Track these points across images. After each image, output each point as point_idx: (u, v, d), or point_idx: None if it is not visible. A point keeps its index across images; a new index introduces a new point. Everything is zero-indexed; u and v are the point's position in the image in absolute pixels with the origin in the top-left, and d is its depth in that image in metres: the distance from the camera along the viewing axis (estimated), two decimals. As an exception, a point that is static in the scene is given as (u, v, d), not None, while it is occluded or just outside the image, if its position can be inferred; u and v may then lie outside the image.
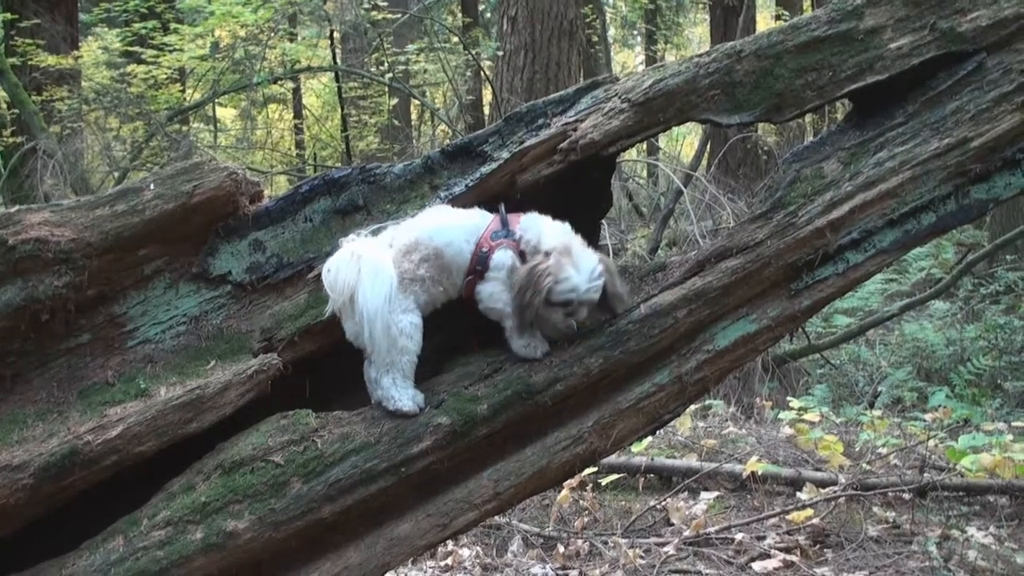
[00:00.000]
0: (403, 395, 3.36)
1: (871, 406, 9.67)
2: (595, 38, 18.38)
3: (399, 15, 14.36)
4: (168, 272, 3.49)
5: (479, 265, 3.39)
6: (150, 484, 3.30)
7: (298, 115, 21.07)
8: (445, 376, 3.48)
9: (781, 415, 8.00)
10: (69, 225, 3.30)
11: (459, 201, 3.59)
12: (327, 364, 3.62)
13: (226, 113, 22.66)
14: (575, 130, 3.63)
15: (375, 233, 3.44)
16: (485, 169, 3.62)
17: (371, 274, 3.26)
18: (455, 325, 3.56)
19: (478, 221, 3.45)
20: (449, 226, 3.42)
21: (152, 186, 3.40)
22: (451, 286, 3.45)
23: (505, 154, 3.62)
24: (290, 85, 18.75)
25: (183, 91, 15.51)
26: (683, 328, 3.55)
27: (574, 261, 3.27)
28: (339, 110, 16.01)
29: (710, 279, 3.56)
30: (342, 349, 3.54)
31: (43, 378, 3.36)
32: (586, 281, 3.27)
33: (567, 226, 3.42)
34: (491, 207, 3.51)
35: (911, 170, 3.66)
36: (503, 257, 3.37)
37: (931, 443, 7.08)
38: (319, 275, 3.48)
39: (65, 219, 3.31)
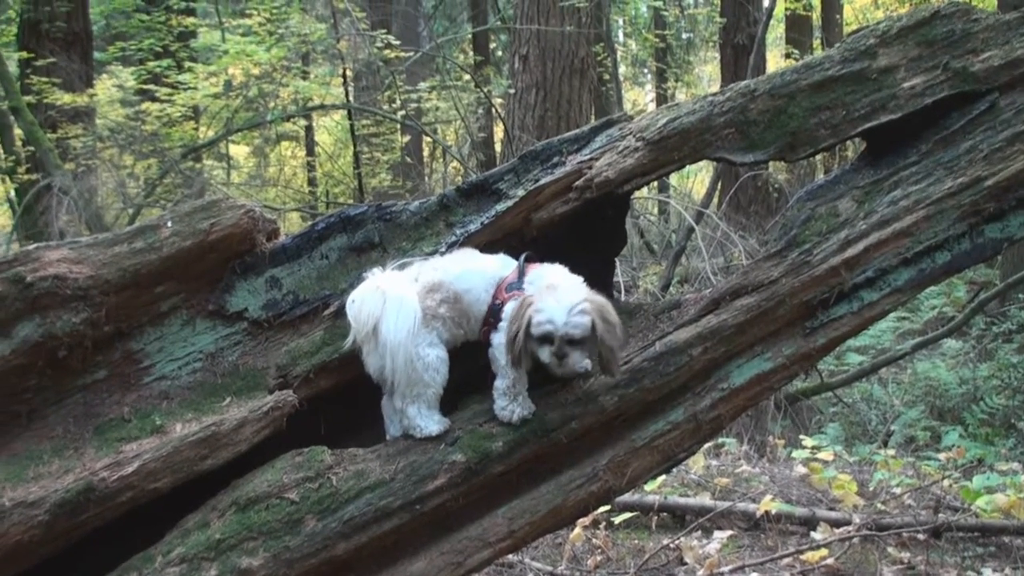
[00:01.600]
0: (429, 422, 3.39)
1: (884, 445, 9.61)
2: (606, 76, 18.46)
3: (411, 53, 14.46)
4: (185, 309, 3.51)
5: (492, 317, 3.40)
6: (165, 521, 3.30)
7: (310, 152, 21.18)
8: (460, 413, 3.48)
9: (794, 453, 7.95)
10: (87, 262, 3.32)
11: (475, 239, 3.61)
12: (341, 401, 3.63)
13: (239, 150, 22.78)
14: (590, 168, 3.65)
15: (401, 268, 3.46)
16: (500, 207, 3.63)
17: (395, 307, 3.28)
18: (471, 362, 3.55)
19: (499, 270, 3.45)
20: (471, 272, 3.43)
21: (170, 223, 3.42)
22: (470, 330, 3.46)
23: (520, 192, 3.64)
24: (302, 122, 18.86)
25: (196, 128, 15.61)
26: (698, 366, 3.56)
27: (557, 295, 3.21)
28: (352, 147, 16.09)
29: (725, 317, 3.57)
30: (356, 386, 3.55)
31: (59, 414, 3.37)
32: (564, 314, 3.16)
33: (574, 277, 3.36)
34: (517, 251, 3.52)
35: (925, 209, 3.67)
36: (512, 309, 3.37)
37: (945, 483, 7.03)
38: (335, 312, 3.50)
39: (83, 256, 3.33)
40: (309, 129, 20.73)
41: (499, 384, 3.40)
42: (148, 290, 3.42)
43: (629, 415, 3.53)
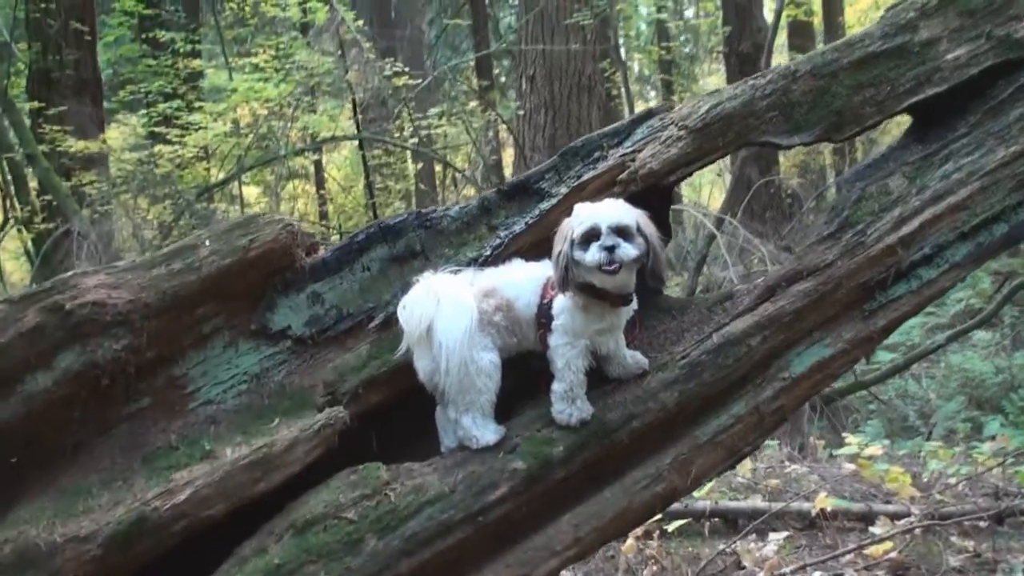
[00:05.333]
0: (485, 431, 3.28)
1: (928, 438, 9.50)
2: (614, 91, 18.45)
3: (419, 80, 14.43)
4: (227, 330, 3.43)
5: (543, 317, 3.30)
6: (220, 550, 3.19)
7: (321, 186, 21.19)
8: (516, 419, 3.38)
9: (841, 450, 7.83)
10: (125, 286, 3.25)
11: (520, 240, 3.53)
12: (392, 416, 3.54)
13: (250, 192, 22.82)
14: (633, 160, 3.56)
15: (454, 273, 3.36)
16: (544, 205, 3.55)
17: (451, 306, 3.19)
18: (521, 368, 3.45)
19: (544, 272, 3.34)
20: (520, 280, 3.34)
21: (207, 242, 3.35)
22: (524, 338, 3.35)
23: (564, 189, 3.56)
24: (313, 158, 18.87)
25: (208, 169, 15.60)
26: (757, 356, 3.45)
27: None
28: (364, 178, 16.07)
29: (782, 304, 3.46)
30: (406, 400, 3.46)
31: (105, 445, 3.29)
32: (607, 209, 3.13)
33: None
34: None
35: (979, 181, 3.57)
36: (562, 302, 3.26)
37: (996, 470, 6.91)
38: (380, 325, 3.42)
39: (121, 280, 3.26)
40: (319, 164, 20.76)
41: (556, 387, 3.29)
42: (189, 312, 3.34)
43: (690, 411, 3.42)
